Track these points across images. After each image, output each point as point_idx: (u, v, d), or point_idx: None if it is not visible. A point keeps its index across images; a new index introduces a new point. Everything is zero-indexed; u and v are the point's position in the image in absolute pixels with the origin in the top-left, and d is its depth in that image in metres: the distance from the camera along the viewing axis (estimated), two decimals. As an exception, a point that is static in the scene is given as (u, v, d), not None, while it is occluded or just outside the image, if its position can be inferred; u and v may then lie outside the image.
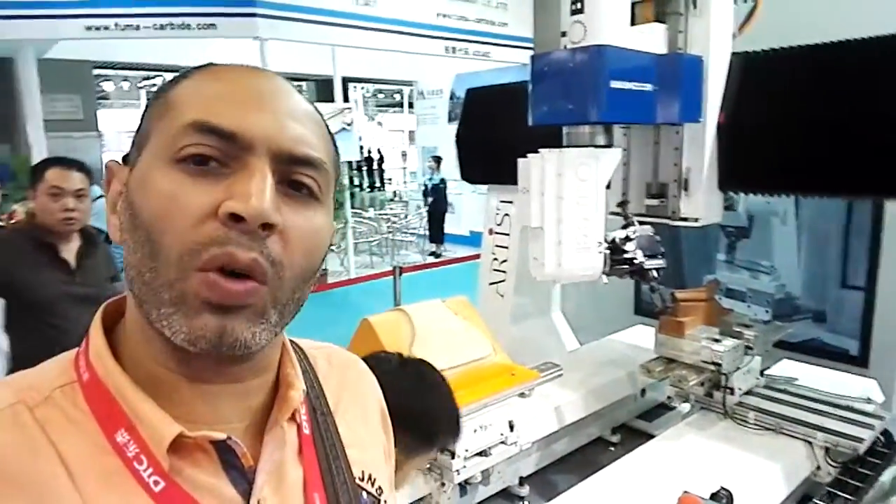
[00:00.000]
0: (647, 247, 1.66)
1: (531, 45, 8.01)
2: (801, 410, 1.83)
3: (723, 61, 1.74)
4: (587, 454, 2.04)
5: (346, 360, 0.74)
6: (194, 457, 0.51)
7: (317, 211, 0.54)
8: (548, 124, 1.63)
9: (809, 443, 1.73)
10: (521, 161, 1.65)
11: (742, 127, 1.72)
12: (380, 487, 0.66)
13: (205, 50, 6.80)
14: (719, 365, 1.83)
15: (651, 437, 1.97)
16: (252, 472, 0.54)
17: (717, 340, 1.88)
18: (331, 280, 7.18)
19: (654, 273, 1.66)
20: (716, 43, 1.71)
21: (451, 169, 9.86)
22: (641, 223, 1.72)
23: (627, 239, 1.62)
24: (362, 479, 0.64)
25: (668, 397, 2.07)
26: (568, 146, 1.62)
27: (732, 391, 1.89)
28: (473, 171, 2.81)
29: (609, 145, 1.61)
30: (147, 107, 0.55)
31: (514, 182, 2.58)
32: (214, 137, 0.49)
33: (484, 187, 2.89)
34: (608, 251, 1.61)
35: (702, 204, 1.78)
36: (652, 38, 1.65)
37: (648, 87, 1.59)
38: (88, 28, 5.16)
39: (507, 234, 2.72)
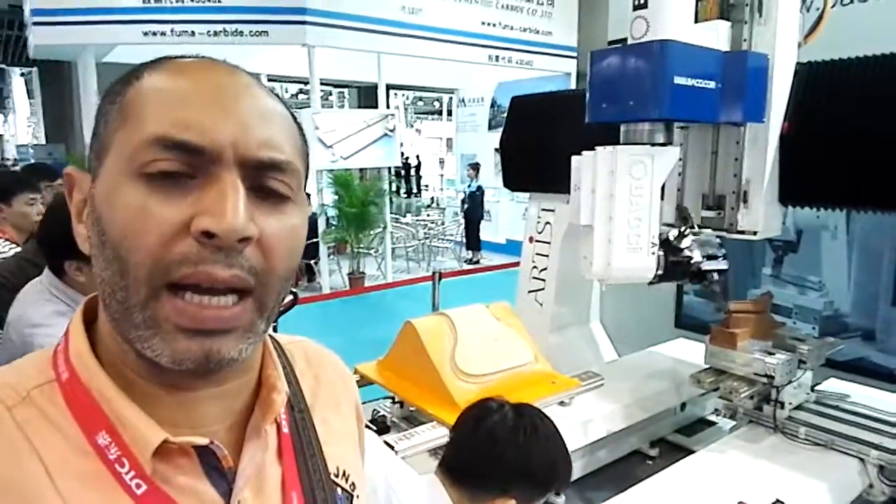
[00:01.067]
0: (706, 248, 1.62)
1: (575, 53, 7.99)
2: (853, 427, 1.79)
3: (788, 67, 1.70)
4: (624, 466, 2.02)
5: (321, 355, 0.73)
6: (175, 460, 0.51)
7: (290, 210, 0.52)
8: (606, 122, 1.61)
9: (862, 460, 1.69)
10: (574, 158, 1.63)
11: (808, 138, 1.68)
12: (353, 483, 0.65)
13: (258, 56, 6.99)
14: (772, 378, 1.81)
15: (690, 452, 1.94)
16: (233, 473, 0.53)
17: (770, 353, 1.86)
18: (368, 283, 7.26)
19: (715, 275, 1.63)
20: (781, 48, 1.67)
21: (488, 176, 9.88)
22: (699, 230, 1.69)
23: (682, 235, 1.58)
24: (337, 476, 0.64)
25: (716, 410, 2.05)
26: (625, 144, 1.60)
27: (783, 405, 1.86)
28: (516, 178, 2.82)
29: (668, 143, 1.58)
30: (101, 110, 0.52)
31: (557, 190, 2.61)
32: (180, 152, 0.47)
33: (522, 196, 2.90)
34: (662, 252, 1.58)
35: (761, 217, 1.73)
36: (716, 36, 1.62)
37: (712, 84, 1.55)
38: (146, 34, 5.37)
39: (548, 243, 2.72)
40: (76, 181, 0.53)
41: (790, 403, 1.88)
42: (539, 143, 2.57)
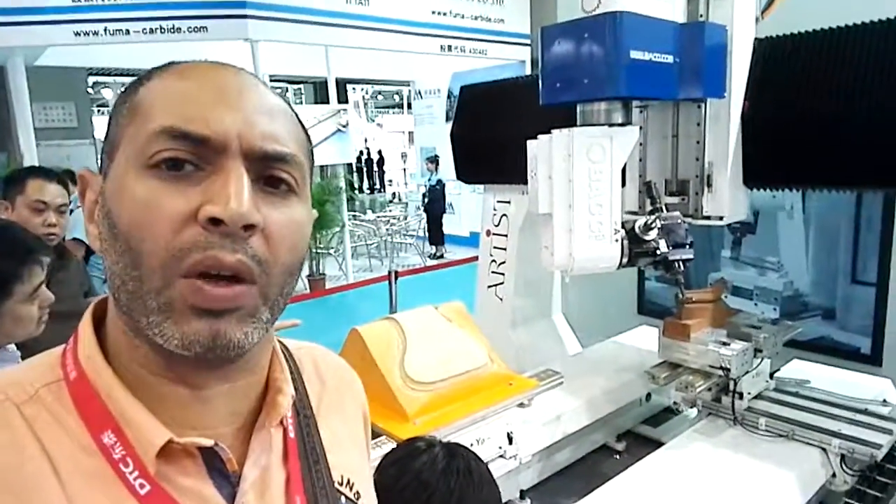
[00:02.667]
0: (673, 235, 1.55)
1: (528, 41, 7.95)
2: (814, 415, 1.74)
3: (747, 42, 1.63)
4: (592, 463, 1.96)
5: (330, 361, 0.74)
6: (180, 461, 0.52)
7: (295, 204, 0.54)
8: (561, 104, 1.53)
9: (824, 449, 1.64)
10: (530, 143, 1.55)
11: (768, 117, 1.61)
12: (357, 492, 0.65)
13: (207, 53, 6.73)
14: (727, 370, 1.74)
15: (659, 443, 1.89)
16: (237, 476, 0.54)
17: (724, 343, 1.79)
18: (329, 285, 7.11)
19: (681, 265, 1.56)
20: (740, 20, 1.59)
21: (449, 169, 9.79)
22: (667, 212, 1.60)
23: (648, 227, 1.50)
24: (341, 484, 0.64)
25: (674, 403, 1.97)
26: (582, 126, 1.51)
27: (741, 396, 1.80)
28: (469, 170, 2.74)
29: (627, 123, 1.51)
30: (112, 113, 0.54)
31: (511, 181, 2.54)
32: (187, 142, 0.49)
33: (483, 187, 2.81)
34: (627, 240, 1.50)
35: (727, 201, 1.67)
36: (671, 8, 1.53)
37: (670, 58, 1.48)
38: (77, 34, 5.10)
39: (505, 236, 2.64)
40: (89, 182, 0.55)
41: (749, 394, 1.82)
42: (491, 133, 2.48)
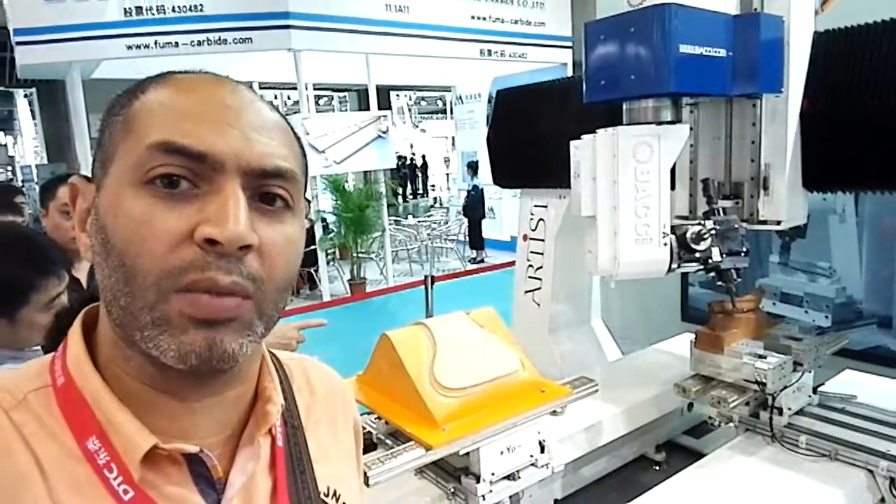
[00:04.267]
0: (729, 243, 1.46)
1: (570, 43, 7.87)
2: (860, 433, 1.61)
3: (806, 34, 1.54)
4: (629, 474, 1.91)
5: (321, 373, 0.73)
6: (165, 468, 0.52)
7: (290, 221, 0.55)
8: (606, 101, 1.47)
9: (871, 471, 1.52)
10: (573, 143, 1.51)
11: (831, 114, 1.51)
12: (344, 503, 0.65)
13: (248, 63, 6.93)
14: (763, 384, 1.62)
15: (701, 455, 1.81)
16: (222, 484, 0.54)
17: (760, 356, 1.66)
18: (370, 289, 7.17)
19: (734, 273, 1.48)
20: (797, 11, 1.50)
21: (488, 174, 9.75)
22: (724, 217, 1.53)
23: (700, 237, 1.43)
24: (327, 495, 0.64)
25: (710, 417, 1.86)
26: (629, 125, 1.45)
27: (781, 412, 1.68)
28: (505, 174, 2.71)
29: (677, 122, 1.44)
30: (106, 121, 0.54)
31: (548, 185, 2.50)
32: (183, 158, 0.49)
33: (520, 191, 2.78)
34: (677, 245, 1.44)
35: (784, 204, 1.57)
36: (723, 0, 1.45)
37: (722, 52, 1.40)
38: (129, 47, 5.32)
39: (542, 240, 2.61)
40: (80, 190, 0.55)
41: (789, 409, 1.70)
42: (527, 137, 2.46)
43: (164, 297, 0.48)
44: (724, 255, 1.46)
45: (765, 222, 1.62)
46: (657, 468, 1.94)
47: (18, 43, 5.52)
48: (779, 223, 1.61)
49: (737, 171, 1.65)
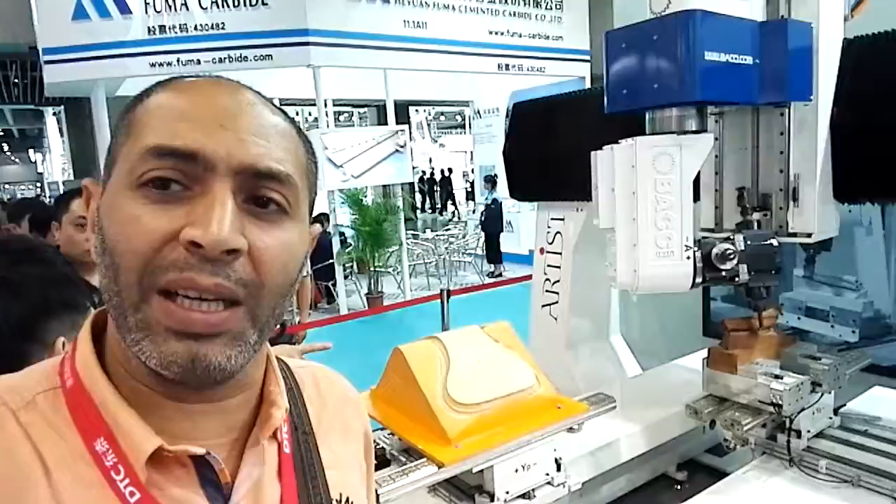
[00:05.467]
0: (758, 260, 1.41)
1: (588, 57, 7.86)
2: (885, 458, 1.52)
3: (835, 41, 1.50)
4: (649, 494, 1.85)
5: (332, 381, 0.73)
6: (172, 470, 0.52)
7: (287, 226, 0.53)
8: (628, 111, 1.45)
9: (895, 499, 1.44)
10: (593, 154, 1.49)
11: (864, 123, 1.47)
12: None
13: (269, 80, 7.04)
14: (779, 406, 1.53)
15: (723, 474, 1.76)
16: (229, 488, 0.54)
17: (776, 377, 1.58)
18: (387, 302, 7.17)
19: (763, 291, 1.44)
20: (826, 18, 1.46)
21: (506, 188, 9.74)
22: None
23: (724, 258, 1.38)
24: (339, 502, 0.63)
25: (725, 439, 1.76)
26: (651, 135, 1.42)
27: (799, 434, 1.60)
28: (522, 188, 2.70)
29: (702, 131, 1.40)
30: (115, 127, 0.55)
31: (565, 198, 2.48)
32: (174, 160, 0.49)
33: (537, 204, 2.76)
34: (701, 260, 1.40)
35: (815, 216, 1.52)
36: (749, 7, 1.42)
37: (749, 59, 1.37)
38: (153, 65, 5.43)
39: (560, 254, 2.58)
40: (92, 193, 0.55)
41: (808, 431, 1.62)
42: (543, 150, 2.44)
43: (146, 298, 0.48)
44: (752, 273, 1.40)
45: (794, 235, 1.57)
46: (678, 488, 1.88)
47: (47, 62, 5.68)
48: (809, 235, 1.56)
49: (765, 181, 1.61)
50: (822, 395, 1.62)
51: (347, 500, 0.64)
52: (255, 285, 0.50)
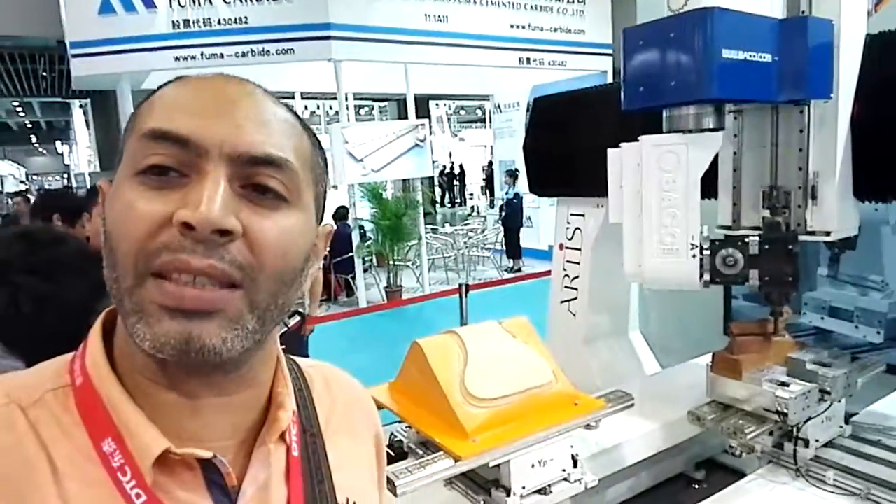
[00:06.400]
0: (773, 263, 1.38)
1: (610, 51, 7.78)
2: None
3: (857, 37, 1.48)
4: (667, 492, 1.84)
5: (341, 380, 0.72)
6: (179, 473, 0.51)
7: (286, 212, 0.53)
8: (645, 108, 1.44)
9: None
10: (610, 151, 1.51)
11: (885, 120, 1.45)
12: None
13: (290, 73, 7.08)
14: (784, 414, 1.48)
15: (742, 474, 1.74)
16: (236, 491, 0.54)
17: (782, 384, 1.52)
18: (405, 296, 7.20)
19: (781, 297, 1.43)
20: (848, 14, 1.44)
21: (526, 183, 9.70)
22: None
23: (726, 263, 1.37)
24: None
25: (730, 446, 1.71)
26: (668, 132, 1.42)
27: (807, 444, 1.55)
28: (541, 183, 2.68)
29: (719, 129, 1.39)
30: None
31: (584, 194, 2.46)
32: (168, 144, 0.49)
33: (556, 200, 2.75)
34: (711, 258, 1.39)
35: (834, 214, 1.50)
36: (769, 4, 1.41)
37: (767, 57, 1.35)
38: (177, 59, 5.50)
39: (579, 249, 2.57)
40: (105, 192, 0.55)
41: (816, 441, 1.57)
42: (563, 145, 2.43)
43: (140, 282, 0.48)
44: (765, 278, 1.38)
45: (813, 233, 1.55)
46: (696, 487, 1.87)
47: (74, 55, 5.78)
48: (828, 234, 1.54)
49: (783, 179, 1.58)
50: (832, 403, 1.56)
51: (354, 503, 0.64)
52: (252, 269, 0.50)
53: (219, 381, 0.53)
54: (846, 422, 1.68)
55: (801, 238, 1.56)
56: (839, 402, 1.59)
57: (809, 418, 1.53)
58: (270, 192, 0.52)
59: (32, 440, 0.49)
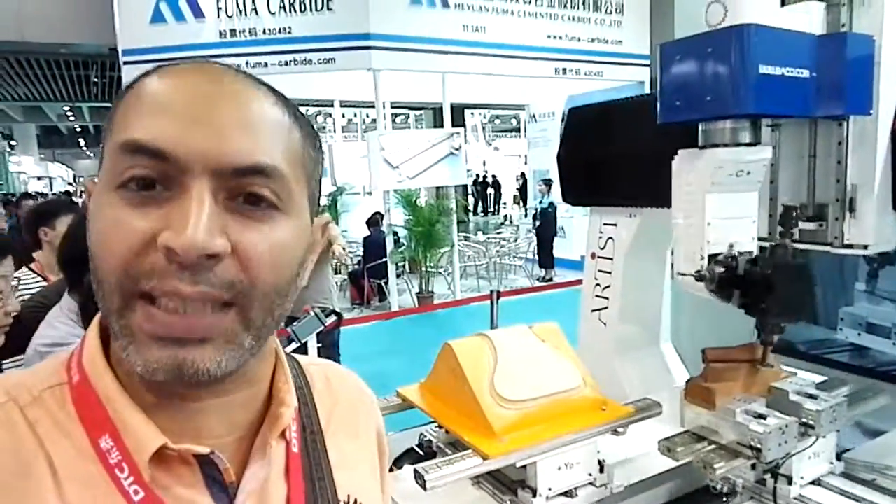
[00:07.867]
0: (776, 288, 1.33)
1: (648, 61, 7.73)
2: None
3: None
4: (695, 502, 1.84)
5: (343, 379, 0.72)
6: (177, 469, 0.51)
7: (278, 222, 0.50)
8: (681, 122, 1.47)
9: None
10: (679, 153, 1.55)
11: None
12: None
13: (330, 82, 7.21)
14: (758, 450, 1.31)
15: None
16: (235, 488, 0.53)
17: (760, 416, 1.36)
18: (437, 302, 7.25)
19: (772, 327, 1.41)
20: (891, 29, 1.44)
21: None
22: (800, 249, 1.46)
23: (702, 278, 1.38)
24: (347, 503, 0.62)
25: (711, 480, 1.54)
26: (704, 147, 1.45)
27: (790, 481, 1.42)
28: (574, 192, 2.70)
29: (755, 143, 1.41)
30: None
31: (617, 203, 2.47)
32: (147, 158, 0.46)
33: (589, 209, 2.76)
34: (721, 272, 1.40)
35: (872, 228, 1.49)
36: (808, 20, 1.41)
37: (805, 73, 1.36)
38: (223, 67, 5.68)
39: (611, 259, 2.57)
40: (90, 192, 0.54)
41: (801, 478, 1.44)
42: (597, 154, 2.45)
43: (128, 304, 0.47)
44: (747, 299, 1.36)
45: (851, 246, 1.54)
46: (725, 500, 1.86)
47: (125, 62, 6.03)
48: (865, 247, 1.53)
49: (821, 191, 1.58)
50: (817, 439, 1.39)
51: (356, 501, 0.63)
52: (245, 286, 0.48)
53: (215, 386, 0.52)
54: (838, 458, 1.53)
55: (838, 251, 1.56)
56: (823, 437, 1.42)
57: (789, 454, 1.36)
58: (261, 201, 0.49)
59: (31, 438, 0.49)
